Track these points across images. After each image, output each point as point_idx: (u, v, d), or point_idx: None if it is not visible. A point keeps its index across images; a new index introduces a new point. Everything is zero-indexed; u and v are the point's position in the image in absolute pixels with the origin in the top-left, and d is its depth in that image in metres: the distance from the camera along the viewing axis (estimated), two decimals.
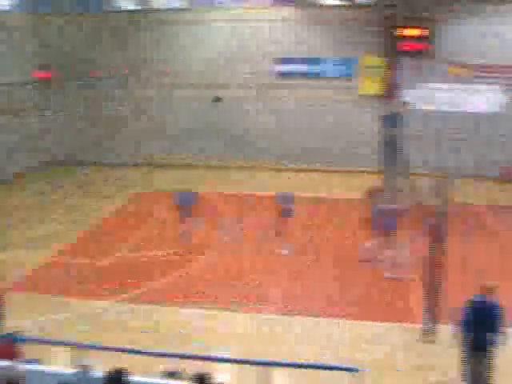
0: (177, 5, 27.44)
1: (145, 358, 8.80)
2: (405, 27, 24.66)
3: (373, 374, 9.98)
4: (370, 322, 12.63)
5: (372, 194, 16.75)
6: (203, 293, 13.95)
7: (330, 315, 12.90)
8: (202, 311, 13.03)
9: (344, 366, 8.61)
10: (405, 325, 12.49)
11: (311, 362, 9.93)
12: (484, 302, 9.56)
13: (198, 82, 26.86)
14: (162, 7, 27.50)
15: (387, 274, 14.93)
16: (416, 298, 13.43)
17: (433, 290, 11.57)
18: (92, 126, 28.14)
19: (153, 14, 27.02)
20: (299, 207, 19.29)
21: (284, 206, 16.71)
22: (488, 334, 9.46)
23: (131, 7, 27.92)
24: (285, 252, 16.44)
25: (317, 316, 12.87)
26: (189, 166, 26.28)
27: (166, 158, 27.06)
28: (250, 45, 26.35)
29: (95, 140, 28.10)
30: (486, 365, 9.54)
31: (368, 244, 16.00)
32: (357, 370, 7.87)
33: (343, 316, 12.87)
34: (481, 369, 9.58)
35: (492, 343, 9.49)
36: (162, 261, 15.90)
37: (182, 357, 8.66)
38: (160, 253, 16.41)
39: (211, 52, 26.60)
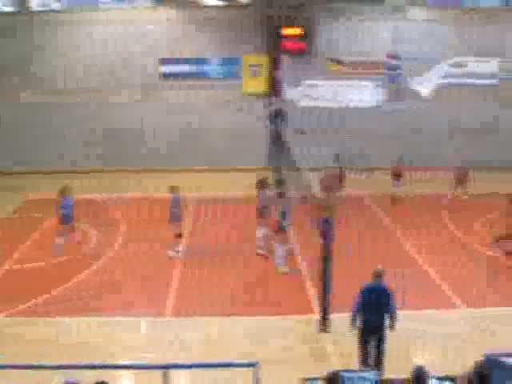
0: (57, 6, 26.44)
1: (39, 372, 8.50)
2: (286, 26, 25.25)
3: (272, 367, 10.18)
4: (268, 317, 12.82)
5: (261, 184, 16.94)
6: (99, 301, 13.65)
7: (226, 313, 12.98)
8: (97, 320, 12.74)
9: (243, 362, 8.71)
10: (302, 317, 12.81)
11: (210, 361, 9.98)
12: (374, 287, 10.05)
13: (81, 87, 26.03)
14: (41, 8, 26.43)
15: (281, 269, 15.24)
16: (312, 289, 13.86)
17: (326, 281, 11.94)
18: None
19: (31, 16, 25.82)
20: (193, 208, 19.42)
21: (173, 210, 16.35)
22: (379, 317, 9.94)
23: (8, 9, 26.58)
24: (174, 254, 16.28)
25: (214, 315, 12.92)
26: (76, 172, 25.33)
27: (54, 165, 25.88)
28: (134, 46, 25.88)
29: None
30: (378, 347, 10.04)
31: (259, 233, 16.48)
32: (253, 365, 7.91)
33: (241, 313, 12.98)
34: (373, 351, 10.08)
35: (383, 326, 9.98)
36: (51, 272, 15.38)
37: (78, 367, 8.44)
38: (49, 263, 15.85)
39: (94, 54, 25.85)
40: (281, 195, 15.65)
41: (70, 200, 16.54)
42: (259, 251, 16.28)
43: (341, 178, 20.71)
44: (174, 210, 16.16)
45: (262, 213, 16.52)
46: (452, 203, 20.64)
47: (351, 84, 26.38)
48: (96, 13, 25.88)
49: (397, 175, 21.33)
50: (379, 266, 10.22)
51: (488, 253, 16.45)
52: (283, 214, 15.25)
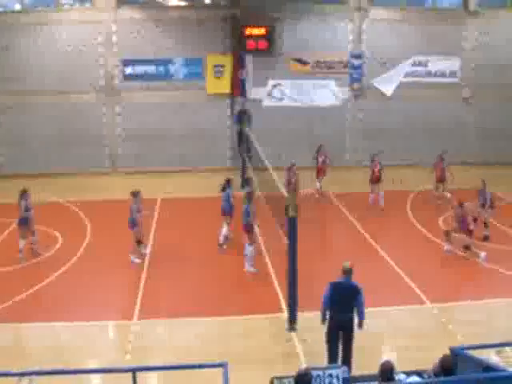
0: (17, 6, 25.99)
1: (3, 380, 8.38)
2: (250, 26, 25.29)
3: (241, 367, 10.21)
4: (236, 317, 12.83)
5: (226, 185, 17.15)
6: (65, 306, 13.50)
7: (194, 315, 12.93)
8: (63, 325, 12.60)
9: (212, 363, 8.70)
10: (271, 316, 12.85)
11: (180, 363, 9.95)
12: (342, 283, 10.05)
13: (43, 88, 25.64)
14: (1, 9, 25.92)
15: (249, 269, 15.25)
16: (279, 288, 13.92)
17: (293, 280, 12.00)
18: None
19: None
20: (158, 209, 19.34)
21: (132, 217, 15.93)
22: (347, 314, 9.96)
23: None
24: (136, 260, 15.91)
25: (182, 317, 12.87)
26: (45, 175, 24.92)
27: (29, 168, 25.37)
28: (97, 47, 25.61)
29: None
30: (347, 343, 10.06)
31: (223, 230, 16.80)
32: (222, 366, 7.88)
33: (209, 314, 12.94)
34: (341, 348, 10.11)
35: (351, 322, 10.01)
36: (16, 277, 15.14)
37: (45, 373, 8.34)
38: (14, 268, 15.61)
39: (55, 56, 25.45)
40: (249, 195, 15.68)
41: (28, 203, 16.32)
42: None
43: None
44: (133, 217, 15.92)
45: (224, 212, 17.10)
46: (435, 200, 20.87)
47: (315, 83, 26.54)
48: (57, 13, 25.49)
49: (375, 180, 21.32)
50: (347, 262, 10.21)
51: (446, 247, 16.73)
52: (247, 214, 15.28)
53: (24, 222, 16.20)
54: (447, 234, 16.44)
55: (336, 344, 10.12)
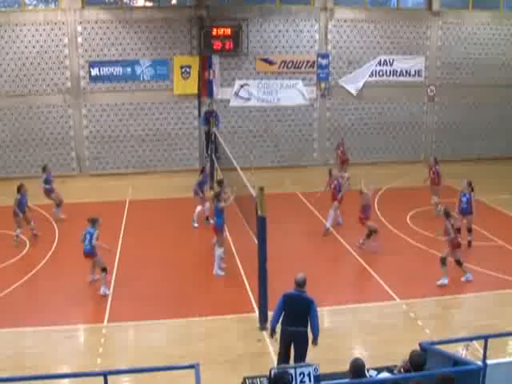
0: None
1: None
2: (216, 27, 25.30)
3: (212, 367, 10.23)
4: (207, 317, 12.82)
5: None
6: (32, 311, 13.33)
7: (165, 316, 12.92)
8: (31, 330, 12.45)
9: (183, 364, 8.68)
10: (241, 316, 12.89)
11: (150, 366, 9.91)
12: (294, 295, 9.73)
13: (8, 90, 25.26)
14: None
15: (217, 271, 15.20)
16: (250, 288, 13.94)
17: (263, 279, 12.04)
18: None
19: None
20: (126, 211, 19.22)
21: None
22: (299, 327, 9.67)
23: None
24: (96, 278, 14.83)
25: (152, 319, 12.83)
26: (8, 179, 24.49)
27: None
28: (62, 48, 25.30)
29: None
30: (300, 358, 9.67)
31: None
32: (193, 367, 7.84)
33: (179, 314, 12.93)
34: (291, 361, 9.76)
35: (303, 336, 9.73)
36: None
37: (15, 380, 8.23)
38: None
39: (19, 57, 25.09)
40: (217, 195, 15.59)
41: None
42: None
43: None
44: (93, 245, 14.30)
45: (197, 192, 18.65)
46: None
47: (282, 83, 26.67)
48: (22, 13, 25.12)
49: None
50: (301, 274, 9.88)
51: (416, 244, 16.95)
52: (217, 214, 15.25)
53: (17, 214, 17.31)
54: (444, 261, 14.45)
55: (287, 358, 9.79)
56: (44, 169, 20.14)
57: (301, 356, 9.71)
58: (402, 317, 12.85)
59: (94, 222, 14.14)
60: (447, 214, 14.39)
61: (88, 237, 13.96)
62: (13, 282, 14.71)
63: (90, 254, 14.09)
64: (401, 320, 12.75)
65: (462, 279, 14.44)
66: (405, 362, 7.86)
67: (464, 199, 16.69)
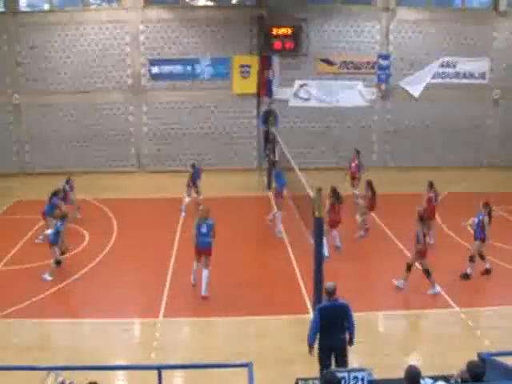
0: (45, 6, 26.29)
1: (33, 374, 8.46)
2: (277, 26, 25.27)
3: (265, 367, 10.20)
4: (261, 317, 12.81)
5: None
6: (91, 303, 13.60)
7: (219, 314, 12.93)
8: (89, 322, 12.71)
9: (237, 362, 8.69)
10: (295, 316, 12.77)
11: (204, 362, 9.98)
12: (330, 305, 9.50)
13: (73, 87, 25.93)
14: (29, 9, 26.28)
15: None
16: (305, 289, 13.86)
17: (319, 281, 11.94)
18: None
19: (20, 17, 25.66)
20: (187, 209, 19.42)
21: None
22: (339, 336, 9.48)
23: None
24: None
25: (206, 316, 12.89)
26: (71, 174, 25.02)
27: (50, 167, 25.63)
28: (124, 46, 25.82)
29: None
30: (341, 364, 9.49)
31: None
32: (246, 366, 7.84)
33: (234, 313, 12.91)
34: (333, 368, 9.47)
35: (344, 344, 9.55)
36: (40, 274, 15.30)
37: (74, 369, 8.42)
38: (40, 265, 15.76)
39: (83, 55, 25.73)
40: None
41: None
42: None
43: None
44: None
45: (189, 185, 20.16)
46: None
47: (341, 84, 26.45)
48: (85, 13, 25.75)
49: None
50: (330, 283, 9.62)
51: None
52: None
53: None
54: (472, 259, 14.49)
55: (326, 364, 9.52)
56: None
57: (343, 365, 9.51)
58: (460, 325, 12.52)
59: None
60: (421, 218, 13.79)
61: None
62: (72, 273, 15.08)
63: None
64: (458, 329, 12.43)
65: (429, 292, 13.72)
66: (462, 371, 7.64)
67: (476, 221, 14.87)
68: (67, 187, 19.13)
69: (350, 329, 9.54)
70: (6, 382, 7.03)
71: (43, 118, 26.19)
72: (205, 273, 13.52)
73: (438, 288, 13.75)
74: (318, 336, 9.48)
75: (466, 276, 14.67)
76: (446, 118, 26.85)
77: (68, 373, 7.93)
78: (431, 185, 17.43)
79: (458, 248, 16.47)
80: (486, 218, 14.62)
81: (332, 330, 9.46)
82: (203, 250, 13.64)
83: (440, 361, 10.55)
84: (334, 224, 15.99)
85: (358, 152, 20.97)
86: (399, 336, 12.14)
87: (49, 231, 15.80)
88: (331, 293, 9.51)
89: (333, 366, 9.50)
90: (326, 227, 15.17)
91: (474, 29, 26.36)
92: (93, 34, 25.68)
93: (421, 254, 13.71)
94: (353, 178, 20.82)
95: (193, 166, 20.86)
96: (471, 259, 14.70)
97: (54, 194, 17.53)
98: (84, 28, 25.62)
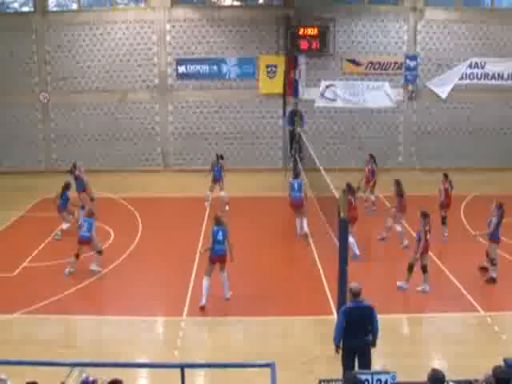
0: (73, 6, 26.60)
1: (57, 369, 8.54)
2: (303, 26, 25.22)
3: (288, 367, 10.17)
4: (284, 317, 12.78)
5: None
6: (114, 300, 13.70)
7: (242, 313, 12.93)
8: (112, 318, 12.80)
9: (259, 362, 8.67)
10: (319, 317, 12.73)
11: (227, 362, 9.98)
12: (355, 307, 9.42)
13: (100, 86, 26.20)
14: (57, 9, 26.60)
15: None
16: (329, 290, 13.79)
17: (343, 281, 11.85)
18: None
19: (48, 16, 25.99)
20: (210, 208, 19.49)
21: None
22: (363, 337, 9.41)
23: (25, 9, 26.79)
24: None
25: (229, 315, 12.90)
26: (98, 171, 25.36)
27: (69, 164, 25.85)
28: (151, 46, 26.02)
29: None
30: (364, 366, 9.41)
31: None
32: (269, 366, 7.81)
33: (258, 313, 12.91)
34: (356, 369, 9.40)
35: (368, 346, 9.47)
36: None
37: (97, 365, 8.47)
38: (63, 262, 15.91)
39: (110, 54, 25.98)
40: None
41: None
42: None
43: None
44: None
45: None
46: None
47: (368, 84, 26.31)
48: (113, 13, 25.99)
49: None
50: (355, 284, 9.50)
51: (503, 255, 16.26)
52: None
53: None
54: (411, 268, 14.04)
55: (349, 366, 9.45)
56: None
57: (366, 367, 9.43)
58: (486, 330, 12.33)
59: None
60: (424, 215, 13.73)
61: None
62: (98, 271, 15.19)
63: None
64: (484, 333, 12.24)
65: (418, 289, 13.80)
66: (487, 376, 7.54)
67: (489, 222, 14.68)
68: (77, 172, 19.21)
69: (374, 331, 9.47)
70: (30, 377, 7.09)
71: (70, 116, 26.54)
72: (223, 276, 13.27)
73: (428, 287, 13.81)
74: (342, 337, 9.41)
75: (491, 280, 14.46)
76: (474, 120, 26.58)
77: (92, 369, 7.99)
78: (446, 176, 17.62)
79: (483, 251, 16.23)
80: (495, 219, 14.48)
81: (356, 332, 9.39)
82: (219, 257, 13.12)
83: (465, 365, 10.40)
84: (352, 220, 15.85)
85: (372, 157, 20.63)
86: (423, 339, 12.00)
87: (65, 226, 17.14)
88: (356, 294, 9.45)
89: (356, 368, 9.44)
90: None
91: (504, 29, 26.01)
92: (120, 34, 25.94)
93: (424, 252, 13.73)
94: (367, 183, 20.54)
95: (219, 157, 21.12)
96: (492, 262, 14.52)
97: (65, 187, 17.87)
98: (111, 28, 25.88)
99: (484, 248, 15.03)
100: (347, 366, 9.51)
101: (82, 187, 19.06)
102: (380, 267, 15.65)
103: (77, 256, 14.96)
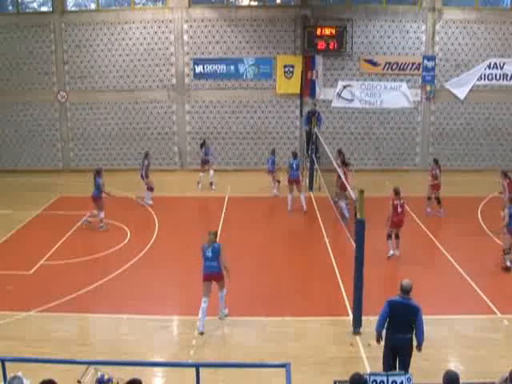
0: (91, 6, 26.78)
1: (73, 367, 8.59)
2: (320, 26, 25.18)
3: (303, 368, 10.16)
4: (300, 318, 12.76)
5: None
6: (131, 299, 13.76)
7: (258, 313, 12.92)
8: (129, 317, 12.85)
9: (275, 362, 8.68)
10: (335, 318, 12.72)
11: (243, 362, 9.98)
12: (401, 303, 9.38)
13: (117, 86, 26.33)
14: (75, 9, 26.80)
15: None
16: (345, 291, 13.74)
17: (359, 283, 11.83)
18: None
19: (67, 16, 26.18)
20: (227, 207, 19.48)
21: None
22: (405, 336, 9.35)
23: (43, 8, 27.02)
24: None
25: (246, 315, 12.88)
26: (116, 171, 25.54)
27: (94, 164, 25.98)
28: (168, 45, 26.11)
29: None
30: (404, 366, 9.42)
31: None
32: (284, 366, 7.79)
33: (273, 313, 12.91)
34: (397, 367, 9.49)
35: (409, 344, 9.41)
36: (85, 268, 15.55)
37: (113, 364, 8.53)
38: (82, 260, 16.03)
39: (128, 54, 26.10)
40: None
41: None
42: None
43: None
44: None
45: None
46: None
47: (385, 85, 26.18)
48: (131, 12, 26.10)
49: None
50: (407, 280, 9.49)
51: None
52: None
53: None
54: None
55: (393, 366, 9.50)
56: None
57: (404, 364, 9.41)
58: (503, 333, 12.23)
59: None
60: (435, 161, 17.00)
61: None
62: (114, 269, 15.31)
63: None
64: (501, 336, 12.13)
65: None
66: (504, 379, 7.48)
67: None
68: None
69: (418, 333, 9.37)
70: (45, 375, 7.13)
71: (88, 115, 26.71)
72: (220, 295, 12.54)
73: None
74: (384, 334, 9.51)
75: (507, 268, 14.86)
76: (492, 121, 26.36)
77: (107, 368, 8.03)
78: (436, 161, 19.76)
79: (498, 250, 16.11)
80: (506, 210, 14.93)
81: (399, 328, 9.35)
82: (210, 275, 12.36)
83: (481, 368, 10.35)
84: (344, 188, 16.91)
85: (436, 162, 20.10)
86: (439, 340, 11.90)
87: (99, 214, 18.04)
88: (406, 290, 9.39)
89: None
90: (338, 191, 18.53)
91: None
92: (138, 34, 26.04)
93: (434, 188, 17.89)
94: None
95: (146, 155, 21.70)
96: (506, 252, 14.92)
97: (97, 173, 18.34)
98: (129, 27, 26.00)
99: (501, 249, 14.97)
100: (388, 364, 9.51)
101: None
102: (399, 268, 15.55)
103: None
